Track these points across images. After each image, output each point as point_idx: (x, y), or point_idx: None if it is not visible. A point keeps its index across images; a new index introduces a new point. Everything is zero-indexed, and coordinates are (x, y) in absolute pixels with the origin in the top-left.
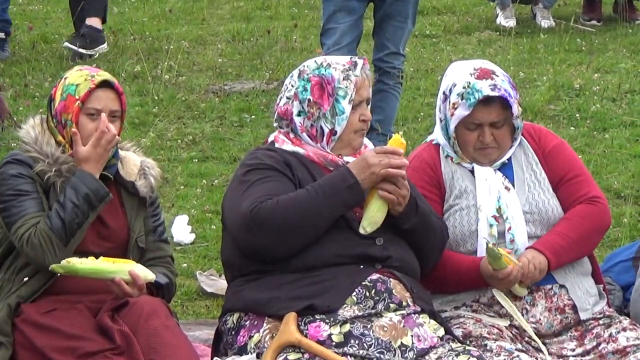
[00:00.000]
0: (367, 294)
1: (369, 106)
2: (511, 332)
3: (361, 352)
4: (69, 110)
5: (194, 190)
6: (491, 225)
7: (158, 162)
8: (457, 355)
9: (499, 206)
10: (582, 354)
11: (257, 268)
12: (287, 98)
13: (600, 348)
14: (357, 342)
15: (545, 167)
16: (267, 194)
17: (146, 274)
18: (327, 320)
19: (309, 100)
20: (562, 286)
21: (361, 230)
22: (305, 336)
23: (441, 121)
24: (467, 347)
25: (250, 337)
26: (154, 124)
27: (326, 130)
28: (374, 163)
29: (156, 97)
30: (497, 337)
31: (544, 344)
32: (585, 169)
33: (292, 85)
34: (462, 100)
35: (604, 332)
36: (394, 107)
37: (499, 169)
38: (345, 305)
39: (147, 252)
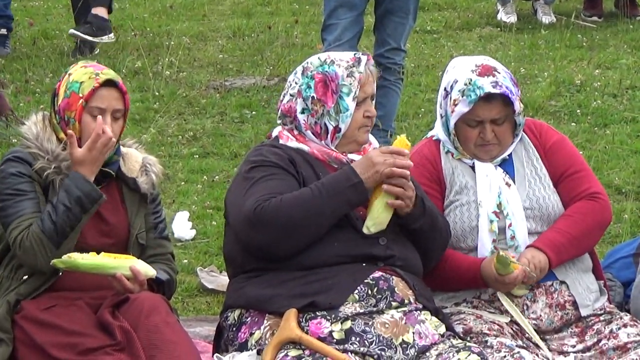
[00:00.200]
0: (370, 292)
1: (374, 102)
2: (512, 329)
3: (362, 349)
4: (72, 108)
5: (194, 186)
6: (491, 221)
7: (159, 159)
8: (457, 352)
9: (500, 202)
10: (583, 350)
11: (259, 265)
12: (291, 95)
13: (600, 344)
14: (358, 339)
15: (546, 163)
16: (271, 192)
17: (147, 269)
18: (328, 317)
19: (313, 97)
20: (562, 282)
21: (365, 230)
22: (306, 333)
23: (442, 117)
24: (468, 344)
25: (251, 334)
26: (154, 120)
27: (330, 128)
28: (379, 162)
29: (157, 93)
30: (497, 333)
31: (545, 340)
32: (586, 165)
33: (295, 83)
34: (462, 96)
35: (605, 328)
36: (395, 103)
37: (499, 165)
38: (347, 302)
39: (147, 249)
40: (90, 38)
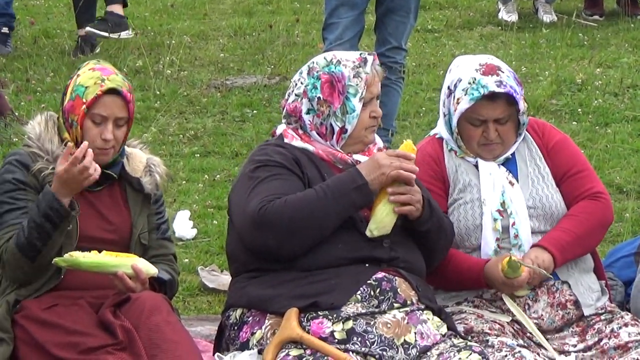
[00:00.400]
0: (372, 292)
1: (378, 101)
2: (513, 328)
3: (363, 349)
4: (75, 112)
5: (195, 185)
6: (495, 220)
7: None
8: (459, 351)
9: (503, 200)
10: (584, 350)
11: (261, 264)
12: (296, 95)
13: (602, 343)
14: (359, 339)
15: (548, 162)
16: (276, 192)
17: (149, 268)
18: (330, 317)
19: (319, 98)
20: (564, 282)
21: (368, 234)
22: (308, 332)
23: (445, 115)
24: (469, 343)
25: (253, 334)
26: (155, 118)
27: (336, 129)
28: (385, 164)
29: (158, 92)
30: (498, 332)
31: (547, 339)
32: (588, 164)
33: (301, 83)
34: (465, 95)
35: (606, 327)
36: (396, 102)
37: (502, 164)
38: (349, 303)
39: (149, 250)
40: (106, 34)
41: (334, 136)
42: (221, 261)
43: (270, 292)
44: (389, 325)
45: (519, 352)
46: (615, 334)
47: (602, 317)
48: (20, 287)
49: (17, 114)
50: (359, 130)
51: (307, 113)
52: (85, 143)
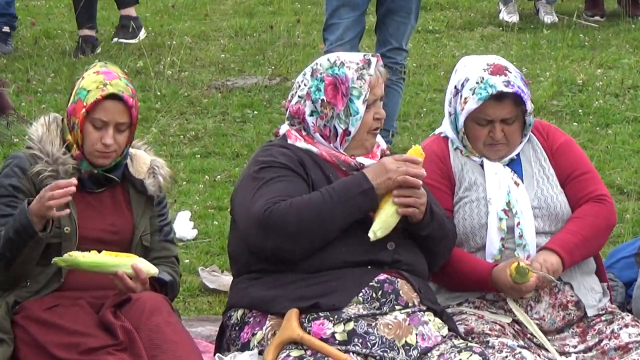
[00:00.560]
0: (374, 295)
1: (381, 103)
2: (513, 329)
3: (364, 350)
4: (76, 115)
5: (196, 186)
6: (500, 219)
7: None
8: (459, 352)
9: (509, 200)
10: (584, 350)
11: (264, 265)
12: (300, 97)
13: (602, 344)
14: (360, 340)
15: (553, 164)
16: (281, 194)
17: (149, 268)
18: (331, 318)
19: (323, 100)
20: (566, 283)
21: (370, 235)
22: (308, 333)
23: (450, 115)
24: (470, 344)
25: (254, 334)
26: (156, 119)
27: (340, 131)
28: (392, 169)
29: (159, 93)
30: (499, 333)
31: (548, 340)
32: (592, 167)
33: (304, 84)
34: (473, 94)
35: (606, 328)
36: (397, 103)
37: (507, 165)
38: (350, 304)
39: (152, 252)
40: (135, 41)
41: (338, 138)
42: (222, 262)
43: (271, 293)
44: (390, 327)
45: (520, 353)
46: (616, 335)
47: (603, 318)
48: (20, 289)
49: (19, 113)
50: (362, 133)
51: (311, 115)
52: (75, 181)
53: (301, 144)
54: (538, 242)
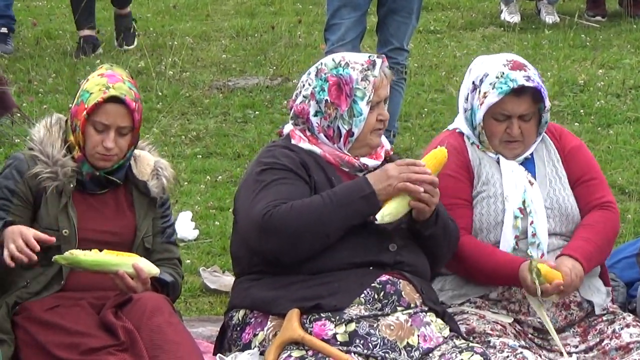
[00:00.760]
0: (376, 296)
1: (387, 104)
2: (514, 329)
3: (366, 351)
4: (78, 117)
5: (197, 186)
6: (516, 218)
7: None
8: (460, 352)
9: (524, 199)
10: (586, 350)
11: (265, 267)
12: (304, 97)
13: (603, 344)
14: (362, 341)
15: (564, 166)
16: (281, 197)
17: (150, 268)
18: (333, 319)
19: (327, 100)
20: None
21: (378, 217)
22: (310, 334)
23: (466, 111)
24: (471, 344)
25: (255, 335)
26: (157, 120)
27: (343, 131)
28: (393, 175)
29: (160, 93)
30: (500, 333)
31: (548, 340)
32: (601, 173)
33: (309, 84)
34: (493, 89)
35: (608, 328)
36: (398, 103)
37: (521, 164)
38: (352, 305)
39: (154, 253)
40: (133, 46)
41: (341, 139)
42: (223, 262)
43: (273, 294)
44: (392, 328)
45: (521, 353)
46: (617, 335)
47: (604, 318)
48: (20, 290)
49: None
50: (365, 133)
51: (315, 115)
52: (53, 239)
53: (305, 144)
54: (550, 242)
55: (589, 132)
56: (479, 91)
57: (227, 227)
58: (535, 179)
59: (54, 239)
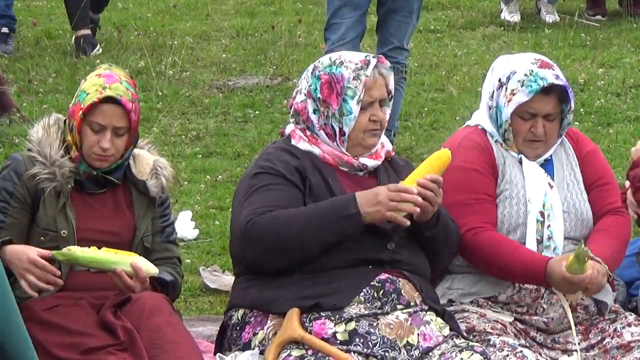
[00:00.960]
0: (375, 294)
1: (391, 103)
2: (515, 328)
3: (366, 350)
4: (74, 117)
5: (197, 186)
6: (537, 221)
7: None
8: (460, 351)
9: (544, 202)
10: (587, 349)
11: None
12: (303, 95)
13: (604, 343)
14: (362, 340)
15: (580, 169)
16: (269, 204)
17: (149, 267)
18: (332, 318)
19: (319, 98)
20: None
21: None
22: (310, 333)
23: (490, 109)
24: (471, 343)
25: (255, 334)
26: (157, 119)
27: (336, 130)
28: (383, 202)
29: (160, 93)
30: (500, 332)
31: (552, 340)
32: (614, 178)
33: (306, 82)
34: (522, 86)
35: (609, 327)
36: (398, 102)
37: (541, 166)
38: (351, 304)
39: (153, 253)
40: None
41: (336, 137)
42: (223, 262)
43: (273, 293)
44: (391, 327)
45: (521, 352)
46: (618, 334)
47: (606, 317)
48: (20, 289)
49: (22, 113)
50: (356, 133)
51: (314, 113)
52: (60, 282)
53: (304, 145)
54: (565, 245)
55: (589, 131)
56: (506, 88)
57: (227, 227)
58: (553, 182)
59: (51, 253)
